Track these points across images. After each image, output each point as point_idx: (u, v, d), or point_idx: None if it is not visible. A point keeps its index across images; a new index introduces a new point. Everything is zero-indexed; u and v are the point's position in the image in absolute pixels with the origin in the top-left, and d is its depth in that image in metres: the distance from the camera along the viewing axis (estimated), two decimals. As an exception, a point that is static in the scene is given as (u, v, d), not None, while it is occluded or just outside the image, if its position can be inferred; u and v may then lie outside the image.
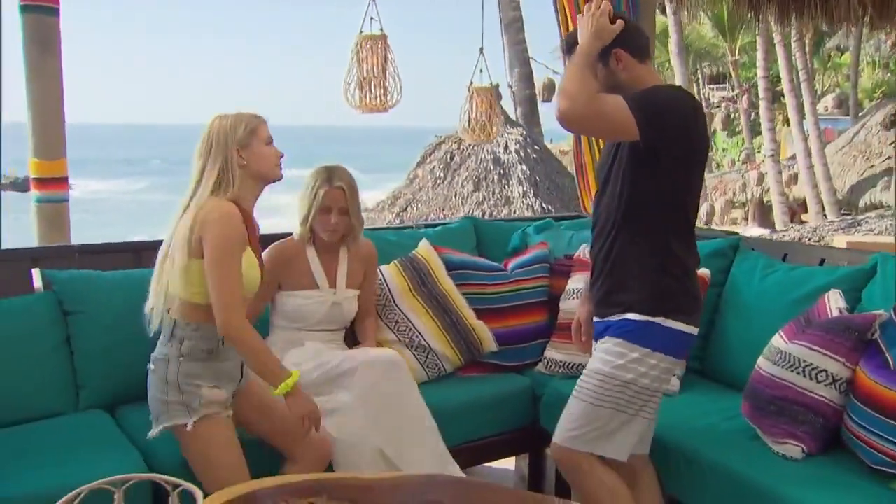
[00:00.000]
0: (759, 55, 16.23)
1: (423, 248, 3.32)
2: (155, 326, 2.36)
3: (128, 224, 21.67)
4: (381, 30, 4.05)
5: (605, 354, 2.30)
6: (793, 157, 17.58)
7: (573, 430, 2.35)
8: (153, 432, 2.32)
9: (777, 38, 15.07)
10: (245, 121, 2.37)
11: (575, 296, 3.17)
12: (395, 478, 2.22)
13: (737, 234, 3.63)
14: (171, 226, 2.34)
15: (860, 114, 21.46)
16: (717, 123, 27.24)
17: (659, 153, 2.19)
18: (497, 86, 4.73)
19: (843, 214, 14.83)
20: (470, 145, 10.35)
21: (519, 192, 9.95)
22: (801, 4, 5.95)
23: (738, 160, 24.71)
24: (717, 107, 28.00)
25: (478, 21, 5.03)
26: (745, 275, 3.09)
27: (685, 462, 2.54)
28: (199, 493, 1.53)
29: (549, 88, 14.53)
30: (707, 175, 19.83)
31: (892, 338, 2.30)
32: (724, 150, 27.50)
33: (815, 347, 2.40)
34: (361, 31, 4.04)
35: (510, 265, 3.43)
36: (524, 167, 10.15)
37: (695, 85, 26.76)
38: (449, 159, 10.75)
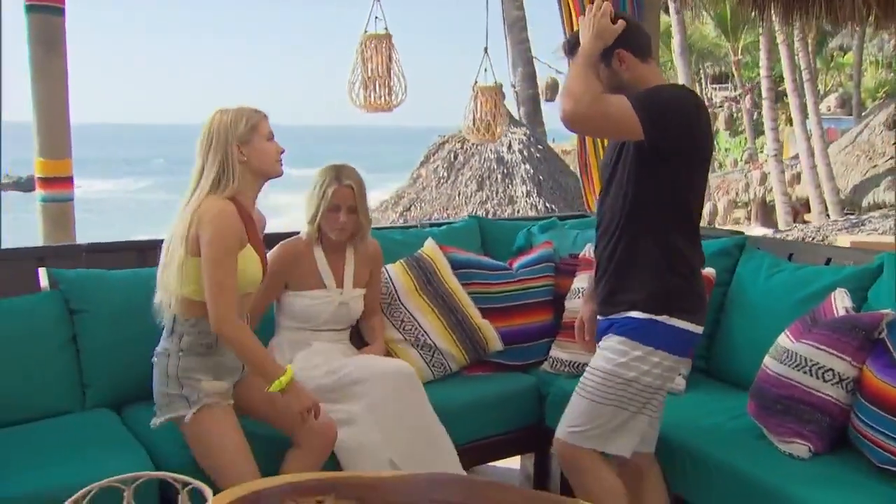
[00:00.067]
0: (762, 54, 16.22)
1: (429, 247, 3.33)
2: (163, 319, 2.40)
3: (129, 223, 21.68)
4: (386, 29, 4.05)
5: (608, 352, 2.30)
6: (796, 157, 17.56)
7: (575, 427, 2.36)
8: (155, 421, 2.36)
9: (780, 37, 15.04)
10: (246, 116, 2.38)
11: (580, 295, 3.17)
12: (401, 476, 2.22)
13: (742, 233, 3.63)
14: (173, 221, 2.36)
15: (863, 113, 21.44)
16: (719, 123, 27.21)
17: (663, 152, 2.19)
18: (500, 85, 4.73)
19: (847, 214, 14.81)
20: (473, 145, 10.35)
21: (522, 192, 9.94)
22: (805, 4, 5.94)
23: (741, 160, 24.68)
24: (720, 107, 27.96)
25: (479, 21, 5.03)
26: (751, 274, 3.09)
27: (691, 461, 2.55)
28: (208, 491, 1.53)
29: (553, 88, 14.54)
30: (710, 175, 19.78)
31: (900, 337, 2.31)
32: (726, 149, 27.47)
33: (822, 346, 2.40)
34: (366, 31, 4.04)
35: (515, 264, 3.44)
36: (528, 167, 10.14)
37: (697, 85, 26.73)
38: (452, 159, 10.74)
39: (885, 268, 2.76)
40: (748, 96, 24.34)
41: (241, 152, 2.35)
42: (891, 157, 15.77)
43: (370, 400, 2.61)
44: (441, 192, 10.47)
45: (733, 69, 25.45)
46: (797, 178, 17.30)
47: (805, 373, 2.41)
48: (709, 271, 3.10)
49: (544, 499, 2.24)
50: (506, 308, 3.28)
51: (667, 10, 14.53)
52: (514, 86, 11.43)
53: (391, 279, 3.17)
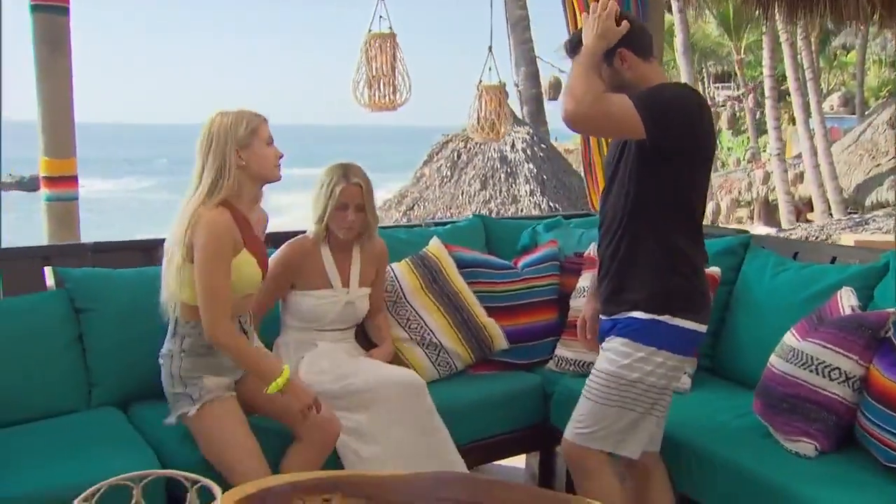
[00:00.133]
0: (765, 53, 16.20)
1: (434, 246, 3.33)
2: (168, 318, 2.44)
3: (130, 223, 21.68)
4: (391, 28, 4.05)
5: (612, 354, 2.31)
6: (798, 156, 17.54)
7: (582, 429, 2.37)
8: (168, 419, 2.42)
9: (783, 36, 15.03)
10: (246, 119, 2.38)
11: (585, 294, 3.17)
12: (407, 475, 2.23)
13: (747, 232, 3.62)
14: (173, 223, 2.38)
15: (866, 112, 21.41)
16: (722, 122, 27.18)
17: (665, 151, 2.19)
18: (504, 84, 4.73)
19: (850, 213, 14.79)
20: (476, 144, 10.35)
21: (526, 191, 9.94)
22: (809, 2, 5.93)
23: (744, 159, 24.66)
24: (723, 106, 27.94)
25: (481, 20, 5.03)
26: (756, 273, 3.09)
27: (696, 460, 2.55)
28: (217, 489, 1.54)
29: (556, 87, 14.53)
30: (713, 174, 19.80)
31: (906, 335, 2.30)
32: (729, 148, 27.45)
33: (829, 345, 2.40)
34: (370, 30, 4.04)
35: (520, 263, 3.44)
36: (531, 166, 10.14)
37: (700, 84, 26.70)
38: (456, 158, 10.74)
39: (890, 266, 2.76)
40: (751, 95, 24.31)
41: (241, 157, 2.36)
42: (894, 157, 15.74)
43: (377, 410, 2.62)
44: (444, 191, 10.47)
45: (736, 68, 25.43)
46: (800, 177, 17.29)
47: (811, 371, 2.41)
48: (714, 270, 3.10)
49: (550, 497, 2.25)
50: (511, 307, 3.28)
51: (670, 9, 14.51)
52: (517, 85, 11.43)
53: (397, 278, 3.17)
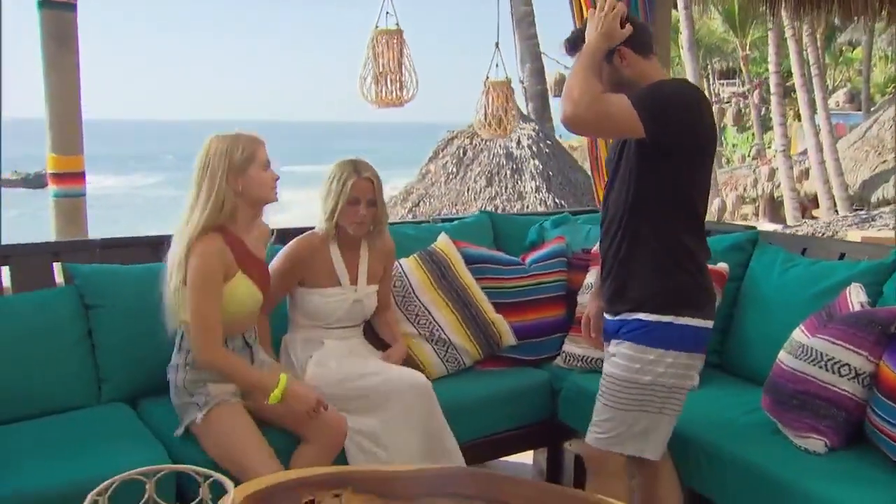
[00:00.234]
0: (771, 50, 16.17)
1: (442, 242, 3.33)
2: (170, 330, 2.50)
3: (135, 220, 21.70)
4: (397, 24, 4.05)
5: (621, 359, 2.30)
6: (804, 153, 17.52)
7: (602, 434, 2.36)
8: (177, 431, 2.45)
9: (789, 32, 15.00)
10: (242, 144, 2.39)
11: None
12: (417, 470, 2.23)
13: (755, 228, 3.62)
14: (172, 244, 2.42)
15: (872, 109, 21.36)
16: (727, 119, 27.16)
17: (665, 148, 2.18)
18: (510, 81, 4.72)
19: (855, 210, 14.76)
20: (482, 140, 10.34)
21: (532, 188, 9.93)
22: (816, -2, 5.91)
23: (749, 156, 24.63)
24: (728, 102, 27.90)
25: (486, 16, 5.03)
26: (765, 269, 3.08)
27: (705, 456, 2.55)
28: (229, 484, 1.54)
29: (561, 83, 14.43)
30: (717, 170, 19.79)
31: (916, 332, 2.30)
32: (734, 145, 27.43)
33: (838, 341, 2.39)
34: (377, 26, 4.04)
35: (528, 259, 3.44)
36: (537, 162, 10.13)
37: (705, 80, 26.67)
38: (461, 154, 10.73)
39: (900, 263, 2.75)
40: (756, 92, 24.28)
41: (237, 182, 2.38)
42: (900, 153, 15.70)
43: (384, 413, 2.62)
44: (450, 187, 10.46)
45: (741, 64, 25.39)
46: (805, 173, 17.26)
47: (821, 368, 2.41)
48: (722, 266, 3.10)
49: (558, 492, 2.25)
50: (519, 303, 3.28)
51: (675, 6, 14.48)
52: (522, 81, 11.40)
53: (405, 273, 3.18)
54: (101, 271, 2.82)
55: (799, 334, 2.53)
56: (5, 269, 2.85)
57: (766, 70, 19.62)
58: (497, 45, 4.68)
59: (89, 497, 1.45)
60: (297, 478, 1.98)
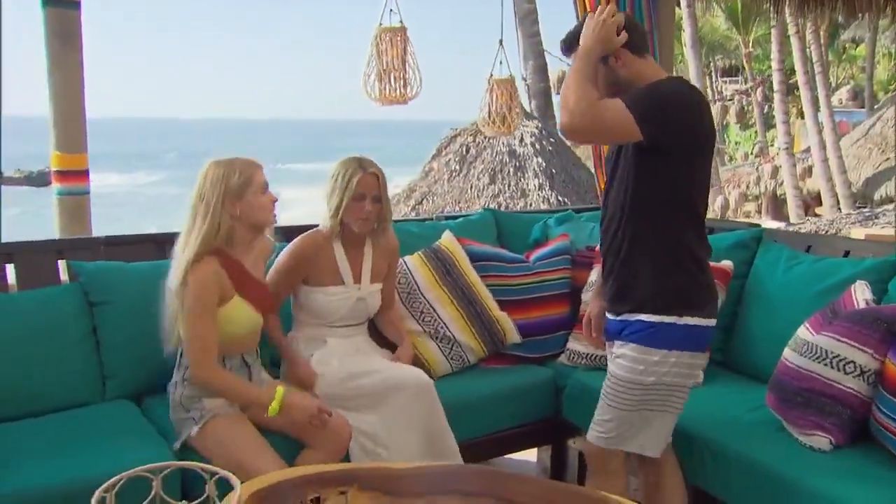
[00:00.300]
0: (774, 47, 16.17)
1: (447, 240, 3.33)
2: (167, 350, 2.51)
3: (138, 218, 21.75)
4: (401, 22, 4.04)
5: (625, 361, 2.30)
6: (807, 150, 17.51)
7: (604, 433, 2.38)
8: (175, 445, 2.45)
9: (792, 29, 14.99)
10: (239, 170, 2.40)
11: (596, 288, 3.18)
12: (422, 467, 2.23)
13: (759, 225, 3.61)
14: (171, 268, 2.44)
15: (875, 106, 21.33)
16: (730, 116, 27.13)
17: (665, 148, 2.18)
18: (513, 78, 4.71)
19: (859, 207, 14.74)
20: (485, 138, 10.33)
21: (535, 185, 9.92)
22: (821, -6, 5.89)
23: (752, 153, 24.61)
24: (731, 100, 27.88)
25: (488, 14, 5.02)
26: (769, 266, 3.08)
27: (710, 453, 2.55)
28: (235, 480, 1.54)
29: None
30: (720, 168, 19.79)
31: (922, 329, 2.30)
32: (737, 143, 27.40)
33: (843, 339, 2.39)
34: (381, 24, 4.03)
35: (532, 257, 3.44)
36: (540, 160, 10.12)
37: (708, 78, 26.64)
38: (464, 152, 10.71)
39: (905, 260, 2.75)
40: (759, 89, 24.26)
41: (234, 207, 2.39)
42: (903, 150, 15.68)
43: (385, 413, 2.62)
44: (453, 185, 10.45)
45: (744, 62, 25.36)
46: (808, 171, 17.25)
47: (826, 365, 2.40)
48: (726, 263, 3.10)
49: (563, 489, 2.25)
50: (523, 300, 3.28)
51: (678, 3, 14.48)
52: (525, 79, 11.40)
53: (410, 271, 3.18)
54: (106, 269, 2.83)
55: (804, 332, 2.53)
56: (10, 267, 2.85)
57: (769, 67, 19.59)
58: (501, 42, 4.67)
59: (97, 494, 1.45)
60: (303, 475, 1.98)
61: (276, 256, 2.80)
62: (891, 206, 13.34)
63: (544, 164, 10.10)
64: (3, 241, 3.39)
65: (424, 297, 3.14)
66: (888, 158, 16.00)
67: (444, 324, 3.11)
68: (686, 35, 15.97)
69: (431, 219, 3.84)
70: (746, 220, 16.87)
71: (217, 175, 2.38)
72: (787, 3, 6.20)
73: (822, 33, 17.53)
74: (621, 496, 2.26)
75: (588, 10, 3.89)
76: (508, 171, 10.18)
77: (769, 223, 15.25)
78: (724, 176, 19.38)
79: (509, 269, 3.34)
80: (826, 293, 2.74)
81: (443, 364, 3.07)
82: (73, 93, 4.09)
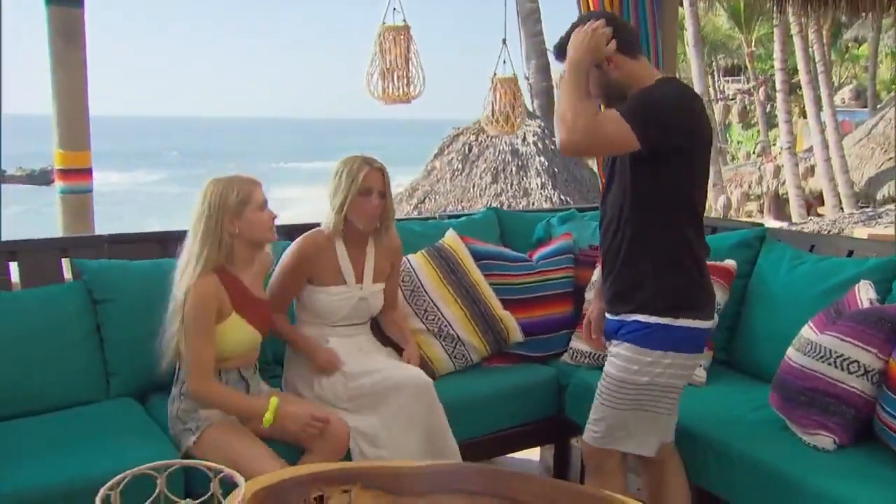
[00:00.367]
0: (777, 46, 16.16)
1: (450, 238, 3.33)
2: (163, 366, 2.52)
3: (139, 216, 21.74)
4: (405, 21, 4.04)
5: (620, 360, 2.31)
6: (809, 150, 17.49)
7: (598, 433, 2.39)
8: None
9: (794, 28, 14.98)
10: (237, 187, 2.42)
11: (600, 287, 3.17)
12: (425, 466, 2.24)
13: (762, 225, 3.61)
14: (174, 287, 2.46)
15: (878, 106, 21.31)
16: (732, 116, 27.11)
17: (663, 151, 2.18)
18: (517, 77, 4.71)
19: (861, 207, 14.73)
20: (488, 137, 10.33)
21: (537, 184, 9.92)
22: (824, -7, 5.88)
23: (754, 153, 24.59)
24: (733, 99, 27.86)
25: (491, 14, 5.01)
26: (773, 266, 3.08)
27: (713, 453, 2.54)
28: (240, 478, 1.55)
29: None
30: (722, 167, 19.77)
31: (926, 329, 2.29)
32: (739, 142, 27.38)
33: (847, 338, 2.39)
34: (384, 22, 4.03)
35: (535, 256, 3.44)
36: (542, 159, 10.12)
37: (710, 77, 26.62)
38: (467, 151, 10.72)
39: (909, 260, 2.74)
40: (761, 88, 24.24)
41: (234, 224, 2.41)
42: (906, 150, 15.66)
43: (384, 413, 2.61)
44: (455, 184, 10.45)
45: (746, 61, 25.34)
46: (811, 170, 17.24)
47: (830, 364, 2.40)
48: (729, 263, 3.10)
49: (566, 488, 2.24)
50: (526, 299, 3.28)
51: (681, 3, 14.47)
52: (527, 78, 11.39)
53: (413, 269, 3.17)
54: (109, 267, 2.83)
55: (807, 331, 2.53)
56: (14, 265, 2.86)
57: (772, 67, 19.57)
58: (504, 41, 4.66)
59: (101, 491, 1.46)
60: (307, 473, 1.98)
61: (276, 264, 2.79)
62: (893, 206, 13.32)
63: (547, 162, 10.10)
64: (7, 239, 3.40)
65: (428, 296, 3.14)
66: (890, 158, 15.98)
67: (448, 322, 3.11)
68: (689, 34, 15.97)
69: (434, 218, 3.83)
70: (749, 219, 16.88)
71: (216, 193, 2.40)
72: (790, 2, 6.19)
73: (824, 32, 17.51)
74: (623, 494, 2.27)
75: (592, 9, 3.89)
76: (511, 170, 10.18)
77: (771, 223, 15.23)
78: (726, 175, 19.37)
79: (512, 268, 3.34)
80: (830, 293, 2.74)
81: (446, 363, 3.07)
82: (76, 91, 4.09)
